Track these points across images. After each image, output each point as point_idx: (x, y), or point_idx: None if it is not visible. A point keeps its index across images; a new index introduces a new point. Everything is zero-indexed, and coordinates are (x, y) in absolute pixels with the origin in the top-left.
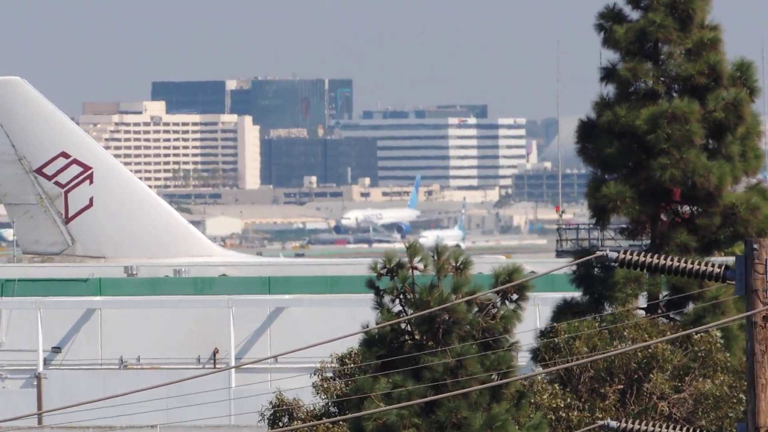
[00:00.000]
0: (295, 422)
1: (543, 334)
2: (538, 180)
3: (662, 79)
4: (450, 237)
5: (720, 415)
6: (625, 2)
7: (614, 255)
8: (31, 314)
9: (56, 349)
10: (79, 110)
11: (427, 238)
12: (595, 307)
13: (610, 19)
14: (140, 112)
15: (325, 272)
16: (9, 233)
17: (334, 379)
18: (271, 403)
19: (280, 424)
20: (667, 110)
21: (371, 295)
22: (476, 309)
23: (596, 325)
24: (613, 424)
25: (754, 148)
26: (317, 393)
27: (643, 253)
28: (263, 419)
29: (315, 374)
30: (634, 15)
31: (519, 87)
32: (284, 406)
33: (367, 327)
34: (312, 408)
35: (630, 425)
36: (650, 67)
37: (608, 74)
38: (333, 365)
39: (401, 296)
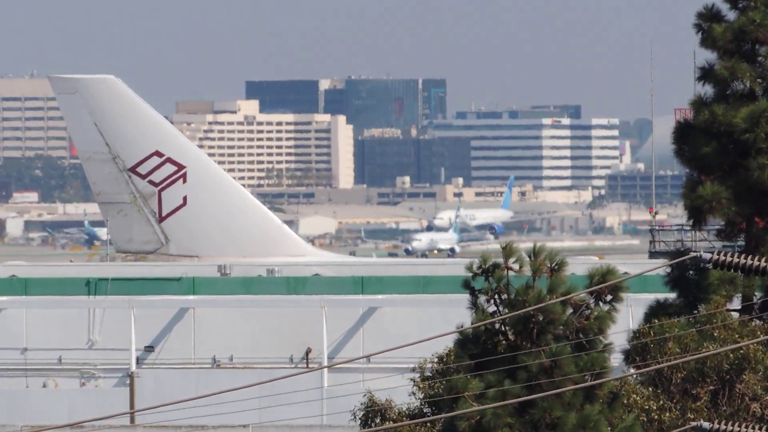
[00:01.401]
0: (388, 423)
1: (636, 335)
2: (632, 181)
3: (759, 79)
4: (445, 240)
5: None
6: (723, 1)
7: (708, 256)
8: (124, 313)
9: (149, 348)
10: (173, 109)
11: (421, 240)
12: (689, 308)
13: (708, 18)
14: (234, 112)
15: (417, 272)
16: (103, 232)
17: (433, 379)
18: (362, 404)
19: (372, 424)
20: (765, 110)
21: (463, 296)
22: (570, 310)
23: (687, 326)
24: (706, 425)
25: None
26: (417, 390)
27: (737, 254)
28: (355, 419)
29: (414, 371)
30: (731, 15)
31: (612, 87)
32: (376, 407)
33: (462, 327)
34: (405, 408)
35: (722, 426)
36: (748, 67)
37: (705, 74)
38: (432, 364)
39: (496, 296)
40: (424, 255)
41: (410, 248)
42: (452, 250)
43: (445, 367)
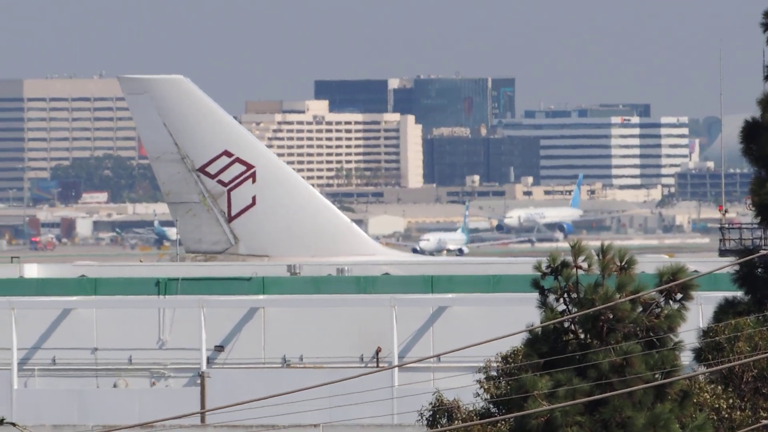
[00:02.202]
0: (456, 422)
1: (705, 333)
2: (701, 179)
3: None
4: (453, 241)
5: None
6: None
7: None
8: (194, 313)
9: (219, 348)
10: (242, 109)
11: (429, 240)
12: (758, 307)
13: None
14: (303, 111)
15: (487, 271)
16: (172, 232)
17: (499, 379)
18: (430, 403)
19: (438, 425)
20: None
21: (533, 294)
22: (640, 308)
23: (757, 324)
24: None
25: None
26: (483, 391)
27: None
28: (422, 420)
29: (480, 372)
30: None
31: (682, 85)
32: (443, 407)
33: (532, 326)
34: (472, 408)
35: None
36: None
37: None
38: (497, 364)
39: (565, 295)
40: (432, 255)
41: (418, 248)
42: (460, 250)
43: (511, 367)
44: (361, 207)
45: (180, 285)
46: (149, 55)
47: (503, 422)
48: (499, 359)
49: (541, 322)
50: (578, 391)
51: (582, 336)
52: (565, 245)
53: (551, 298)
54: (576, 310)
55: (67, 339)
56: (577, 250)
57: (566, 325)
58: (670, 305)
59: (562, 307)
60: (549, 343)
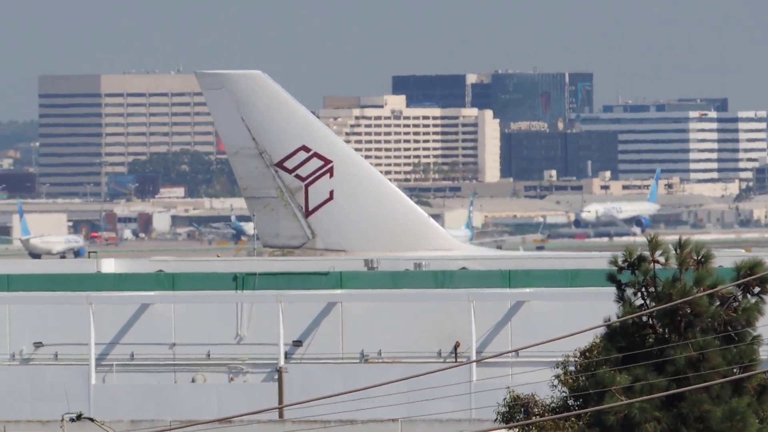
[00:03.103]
0: (534, 417)
1: None
2: None
3: None
4: (457, 237)
5: None
6: None
7: None
8: (272, 308)
9: (297, 343)
10: (320, 104)
11: None
12: None
13: None
14: (381, 106)
15: (565, 266)
16: (250, 227)
17: (577, 374)
18: (504, 399)
19: (515, 420)
20: None
21: (611, 289)
22: (718, 302)
23: None
24: None
25: None
26: (557, 386)
27: None
28: (498, 415)
29: (558, 367)
30: None
31: (759, 79)
32: (519, 402)
33: (609, 321)
34: (549, 402)
35: None
36: None
37: None
38: (575, 359)
39: (643, 290)
40: None
41: None
42: None
43: (590, 362)
44: (438, 201)
45: (257, 280)
46: (227, 51)
47: (578, 418)
48: (578, 354)
49: (619, 317)
50: (656, 387)
51: (660, 330)
52: (643, 240)
53: (629, 292)
54: (654, 304)
55: (145, 334)
56: (654, 244)
57: (644, 319)
58: (748, 299)
59: (639, 301)
60: (627, 337)
